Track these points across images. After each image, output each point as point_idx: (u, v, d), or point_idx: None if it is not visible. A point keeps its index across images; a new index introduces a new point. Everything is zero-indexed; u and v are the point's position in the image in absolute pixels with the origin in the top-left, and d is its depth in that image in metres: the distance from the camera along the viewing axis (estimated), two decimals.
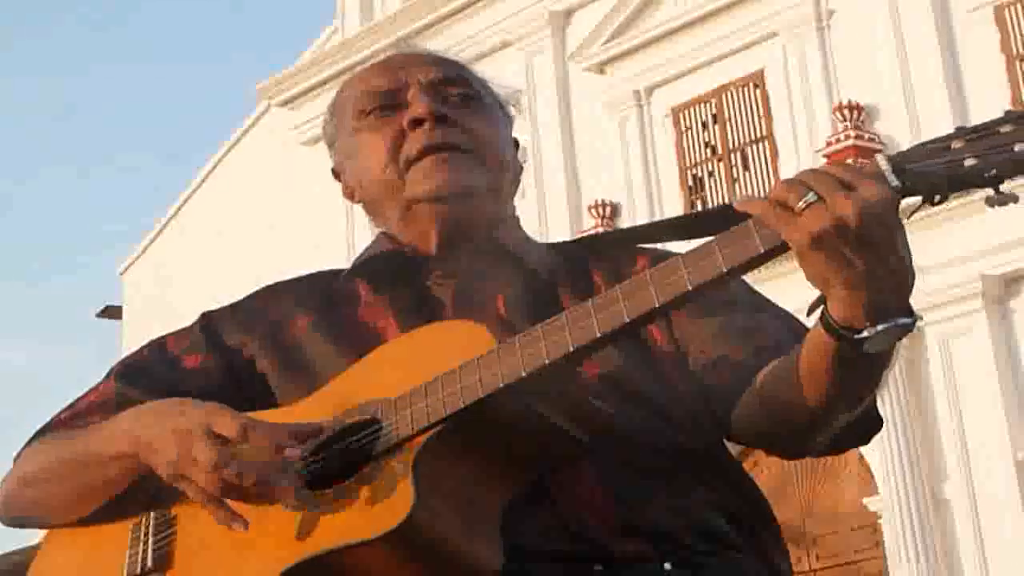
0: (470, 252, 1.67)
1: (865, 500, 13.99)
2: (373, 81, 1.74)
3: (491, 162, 1.70)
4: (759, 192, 15.52)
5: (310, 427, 1.45)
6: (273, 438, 1.40)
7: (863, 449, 13.71)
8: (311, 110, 19.72)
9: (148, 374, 1.68)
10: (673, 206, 16.14)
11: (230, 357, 1.68)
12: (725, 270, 1.31)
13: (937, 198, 1.27)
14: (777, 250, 1.30)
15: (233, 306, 1.76)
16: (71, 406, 1.71)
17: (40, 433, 1.69)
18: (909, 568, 13.21)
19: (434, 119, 1.67)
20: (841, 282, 1.28)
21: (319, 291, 1.73)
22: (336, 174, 1.83)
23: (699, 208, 16.04)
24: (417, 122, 1.67)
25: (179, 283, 20.51)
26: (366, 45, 18.96)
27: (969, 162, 1.24)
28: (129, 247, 22.70)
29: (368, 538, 1.32)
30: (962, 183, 1.25)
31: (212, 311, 1.76)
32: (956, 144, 1.26)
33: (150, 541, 1.55)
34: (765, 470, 13.87)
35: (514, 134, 1.81)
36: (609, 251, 1.71)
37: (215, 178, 21.35)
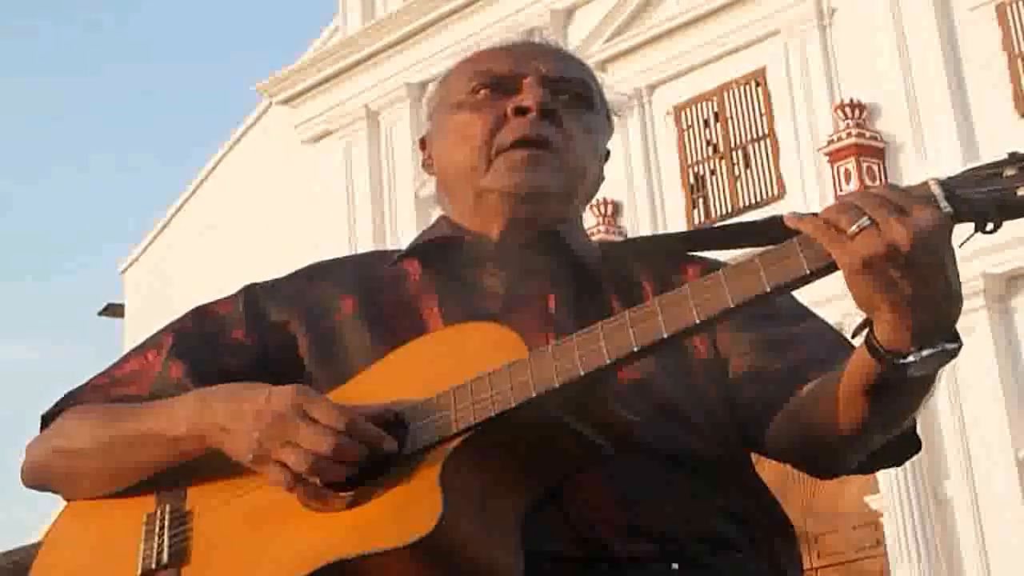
0: (529, 247, 1.66)
1: (866, 498, 13.99)
2: (492, 61, 1.73)
3: (574, 167, 1.68)
4: (761, 191, 15.57)
5: (382, 418, 1.43)
6: (367, 432, 1.39)
7: None
8: (312, 108, 19.73)
9: (194, 352, 1.66)
10: (674, 204, 16.14)
11: (269, 335, 1.66)
12: (768, 289, 1.29)
13: (989, 227, 1.25)
14: (822, 271, 1.28)
15: (278, 282, 1.74)
16: (109, 371, 1.69)
17: (72, 397, 1.66)
18: (910, 567, 13.22)
19: (540, 112, 1.65)
20: (888, 306, 1.26)
21: (366, 274, 1.71)
22: (423, 143, 1.80)
23: (700, 206, 16.05)
24: (522, 111, 1.65)
25: (180, 281, 20.50)
26: (367, 43, 18.96)
27: (1022, 191, 1.22)
28: (130, 245, 22.73)
29: (395, 547, 1.31)
30: (1015, 212, 1.23)
31: (256, 284, 1.74)
32: (1009, 171, 1.24)
33: (165, 536, 1.51)
34: (766, 468, 13.84)
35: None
36: (657, 255, 1.69)
37: (216, 176, 21.34)
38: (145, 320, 20.05)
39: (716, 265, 1.62)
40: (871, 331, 1.31)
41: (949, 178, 1.26)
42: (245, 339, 1.66)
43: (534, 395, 1.35)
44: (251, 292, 1.72)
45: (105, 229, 60.21)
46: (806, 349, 1.57)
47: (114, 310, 22.91)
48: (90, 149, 69.50)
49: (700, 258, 1.68)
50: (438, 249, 1.69)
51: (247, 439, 1.42)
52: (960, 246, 1.28)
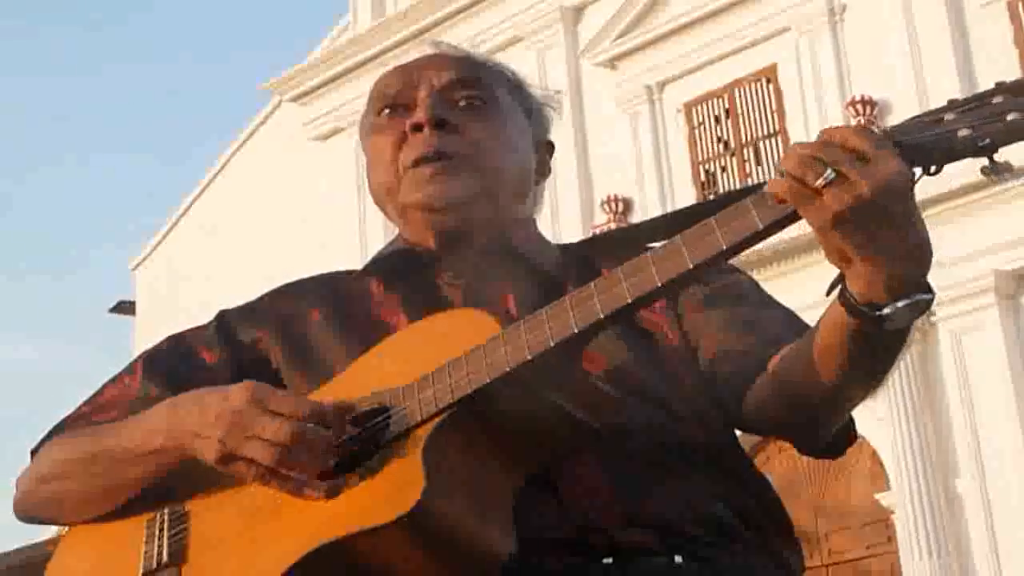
0: (478, 253, 1.69)
1: (877, 496, 13.98)
2: (388, 82, 1.77)
3: (484, 169, 1.70)
4: None
5: (345, 406, 1.45)
6: (326, 415, 1.41)
7: (875, 444, 13.70)
8: (322, 106, 19.75)
9: (168, 369, 1.70)
10: (685, 201, 16.13)
11: (242, 354, 1.70)
12: (724, 247, 1.32)
13: (933, 169, 1.27)
14: (774, 227, 1.31)
15: (248, 305, 1.78)
16: (91, 399, 1.71)
17: (58, 429, 1.69)
18: (922, 564, 13.20)
19: (432, 125, 1.68)
20: (861, 258, 1.27)
21: (332, 289, 1.75)
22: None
23: None
24: (417, 127, 1.69)
25: (191, 278, 20.55)
26: (378, 41, 18.97)
27: (962, 133, 1.25)
28: (141, 243, 22.77)
29: (381, 524, 1.32)
30: (956, 154, 1.26)
31: (228, 310, 1.78)
32: (949, 116, 1.27)
33: (165, 536, 1.54)
34: (777, 467, 13.86)
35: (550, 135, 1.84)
36: (619, 249, 1.70)
37: (226, 174, 21.38)
38: (156, 318, 20.11)
39: None
40: (844, 286, 1.33)
41: (891, 127, 1.29)
42: (218, 360, 1.70)
43: (508, 368, 1.38)
44: (223, 316, 1.76)
45: (116, 227, 60.43)
46: (776, 326, 1.59)
47: (125, 308, 22.95)
48: (100, 147, 69.75)
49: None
50: (396, 265, 1.74)
51: (213, 441, 1.43)
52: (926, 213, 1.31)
